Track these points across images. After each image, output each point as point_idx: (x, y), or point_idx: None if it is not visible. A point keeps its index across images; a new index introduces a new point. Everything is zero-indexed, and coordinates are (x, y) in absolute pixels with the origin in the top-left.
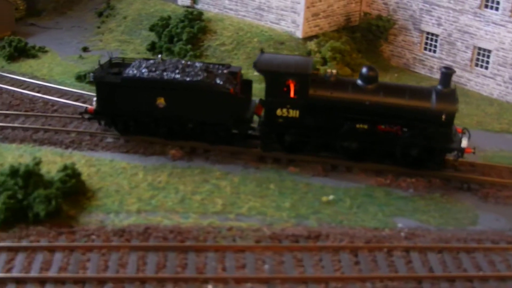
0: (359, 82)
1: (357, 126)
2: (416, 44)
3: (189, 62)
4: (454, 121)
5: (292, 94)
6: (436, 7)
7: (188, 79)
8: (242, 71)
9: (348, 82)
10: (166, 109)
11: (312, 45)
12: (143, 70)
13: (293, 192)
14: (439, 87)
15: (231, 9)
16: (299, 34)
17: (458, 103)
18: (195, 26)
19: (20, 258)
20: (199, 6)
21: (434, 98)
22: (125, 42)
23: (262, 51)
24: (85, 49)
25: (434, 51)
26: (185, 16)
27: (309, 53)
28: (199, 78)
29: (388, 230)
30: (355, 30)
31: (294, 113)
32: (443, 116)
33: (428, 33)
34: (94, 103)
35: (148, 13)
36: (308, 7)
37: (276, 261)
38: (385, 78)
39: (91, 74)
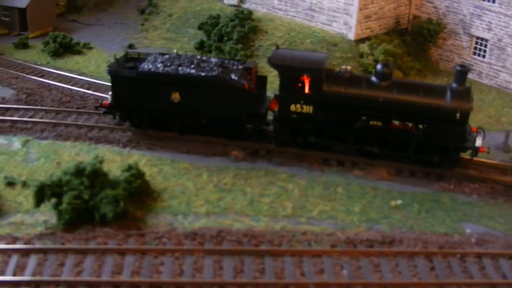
0: (373, 78)
1: (371, 123)
2: (465, 49)
3: (204, 58)
4: (468, 119)
5: (306, 90)
6: (487, 12)
7: (203, 74)
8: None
9: (362, 79)
10: (181, 104)
11: (364, 47)
12: (159, 65)
13: (361, 196)
14: (454, 85)
15: (280, 9)
16: (351, 36)
17: (472, 101)
18: (246, 26)
19: (89, 261)
20: (246, 5)
21: (449, 96)
22: (171, 40)
23: (277, 47)
24: (130, 46)
25: (484, 56)
26: (235, 15)
27: (361, 55)
28: (214, 73)
29: (458, 236)
30: (404, 33)
31: (308, 109)
32: (458, 114)
33: (478, 37)
34: (109, 97)
35: (194, 11)
36: (361, 9)
37: (353, 266)
38: (435, 82)
39: (107, 68)
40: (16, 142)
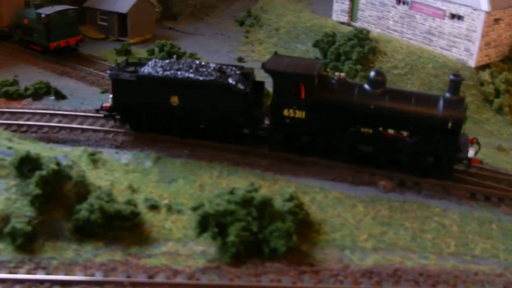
0: (366, 86)
1: (362, 130)
2: None
3: (203, 63)
4: (461, 129)
5: (298, 95)
6: None
7: (201, 78)
8: None
9: (355, 86)
10: (180, 107)
11: (485, 75)
12: (158, 69)
13: None
14: (447, 94)
15: (395, 31)
16: (471, 63)
17: (466, 111)
18: (365, 46)
19: None
20: (357, 24)
21: (441, 105)
22: None
23: (275, 53)
24: (240, 59)
25: None
26: (354, 35)
27: (481, 84)
28: (212, 77)
29: None
30: None
31: (300, 114)
32: (450, 124)
33: None
34: (109, 100)
35: (304, 27)
36: (483, 36)
37: None
38: None
39: (108, 72)
40: (146, 160)
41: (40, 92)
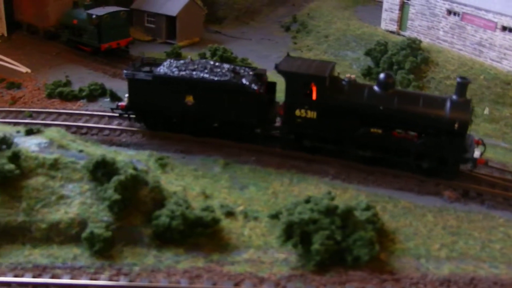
0: (375, 88)
1: (372, 130)
2: None
3: (217, 63)
4: (467, 130)
5: (310, 96)
6: None
7: (216, 78)
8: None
9: (365, 87)
10: (194, 107)
11: None
12: (174, 69)
13: None
14: (454, 96)
15: (445, 41)
16: None
17: (472, 113)
18: (418, 56)
19: None
20: (406, 33)
21: (448, 107)
22: None
23: (288, 54)
24: None
25: None
26: (408, 44)
27: None
28: (226, 78)
29: None
30: None
31: (312, 114)
32: (456, 125)
33: None
34: (125, 99)
35: (354, 35)
36: None
37: None
38: None
39: (124, 71)
40: (215, 166)
41: (95, 93)
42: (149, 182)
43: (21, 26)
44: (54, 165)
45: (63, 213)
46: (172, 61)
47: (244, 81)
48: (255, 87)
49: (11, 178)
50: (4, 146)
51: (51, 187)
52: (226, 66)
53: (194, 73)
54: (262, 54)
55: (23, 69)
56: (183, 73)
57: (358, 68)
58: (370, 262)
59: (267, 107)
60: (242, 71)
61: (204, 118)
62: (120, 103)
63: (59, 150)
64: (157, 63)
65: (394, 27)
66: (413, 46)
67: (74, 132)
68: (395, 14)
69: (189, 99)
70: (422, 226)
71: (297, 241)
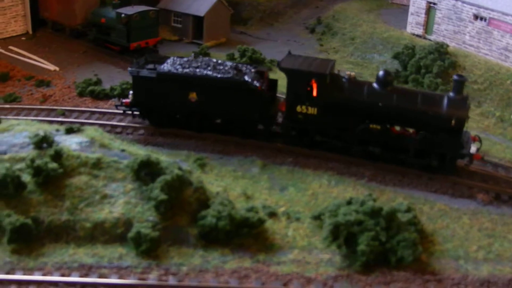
0: (374, 85)
1: (371, 126)
2: None
3: (219, 61)
4: (464, 127)
5: (311, 92)
6: None
7: (219, 75)
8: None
9: (365, 84)
10: (198, 103)
11: None
12: (177, 66)
13: None
14: (451, 94)
15: (471, 45)
16: None
17: (468, 109)
18: (446, 61)
19: None
20: (432, 37)
21: (445, 104)
22: (358, 65)
23: (289, 52)
24: None
25: None
26: (436, 48)
27: None
28: (229, 75)
29: None
30: None
31: (312, 110)
32: (453, 121)
33: None
34: (130, 96)
35: (381, 38)
36: None
37: None
38: None
39: (128, 69)
40: (253, 167)
41: (127, 92)
42: (193, 183)
43: (46, 23)
44: (97, 164)
45: (107, 213)
46: (175, 58)
47: (246, 78)
48: (257, 84)
49: (54, 177)
50: (45, 145)
51: (94, 186)
52: (228, 63)
53: (197, 70)
54: None
55: (51, 67)
56: (187, 70)
57: None
58: (412, 263)
59: (268, 104)
60: (244, 68)
61: (207, 115)
62: (124, 100)
63: (100, 149)
64: (160, 60)
65: (420, 31)
66: (441, 50)
67: (108, 131)
68: (421, 18)
69: (193, 96)
70: (459, 228)
71: (343, 242)
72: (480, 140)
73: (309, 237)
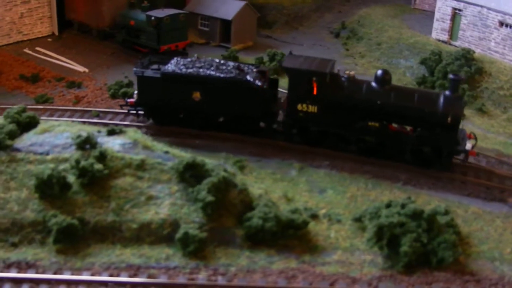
0: (373, 84)
1: (369, 123)
2: None
3: (222, 61)
4: (459, 124)
5: (311, 91)
6: None
7: (222, 75)
8: None
9: (363, 83)
10: (201, 102)
11: None
12: (181, 67)
13: None
14: (447, 92)
15: (496, 52)
16: None
17: (464, 107)
18: (472, 67)
19: None
20: (457, 43)
21: (442, 102)
22: None
23: (290, 52)
24: None
25: None
26: (462, 55)
27: None
28: (232, 75)
29: None
30: None
31: (313, 109)
32: (449, 119)
33: None
34: (135, 95)
35: (407, 43)
36: None
37: None
38: None
39: (134, 69)
40: (291, 169)
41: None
42: (238, 185)
43: (71, 25)
44: (141, 166)
45: (153, 214)
46: (179, 59)
47: (248, 77)
48: (259, 83)
49: (99, 178)
50: (88, 146)
51: (139, 188)
52: (231, 63)
53: (201, 70)
54: None
55: (80, 68)
56: (191, 70)
57: (412, 76)
58: (451, 264)
59: (270, 102)
60: (246, 68)
61: (211, 113)
62: (129, 100)
63: (144, 151)
64: (164, 61)
65: (445, 37)
66: (467, 56)
67: (144, 133)
68: (447, 24)
69: (196, 95)
70: (493, 230)
71: (386, 243)
72: (475, 138)
73: (351, 239)
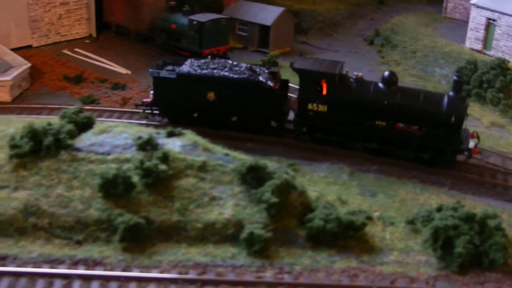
0: (380, 84)
1: (376, 123)
2: None
3: (235, 63)
4: (463, 124)
5: (321, 91)
6: None
7: (235, 76)
8: None
9: (371, 84)
10: (215, 102)
11: None
12: (196, 68)
13: None
14: (451, 93)
15: None
16: None
17: (467, 108)
18: (507, 76)
19: None
20: (491, 53)
21: (446, 102)
22: (421, 78)
23: (300, 55)
24: None
25: None
26: (498, 64)
27: None
28: (245, 76)
29: None
30: None
31: (323, 108)
32: (452, 119)
33: None
34: (150, 96)
35: (442, 52)
36: None
37: None
38: None
39: (150, 70)
40: (342, 173)
41: None
42: (297, 187)
43: (109, 27)
44: (203, 167)
45: (217, 214)
46: (193, 60)
47: (260, 78)
48: (271, 84)
49: (163, 178)
50: (149, 147)
51: (202, 189)
52: (243, 65)
53: (215, 71)
54: (354, 67)
55: (123, 70)
56: (205, 71)
57: (448, 85)
58: (502, 265)
59: (281, 102)
60: (258, 69)
61: (224, 113)
62: (145, 100)
63: (204, 153)
64: (178, 62)
65: (479, 46)
66: (502, 66)
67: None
68: (481, 34)
69: (211, 95)
70: None
71: (440, 245)
72: (478, 137)
73: (405, 240)
